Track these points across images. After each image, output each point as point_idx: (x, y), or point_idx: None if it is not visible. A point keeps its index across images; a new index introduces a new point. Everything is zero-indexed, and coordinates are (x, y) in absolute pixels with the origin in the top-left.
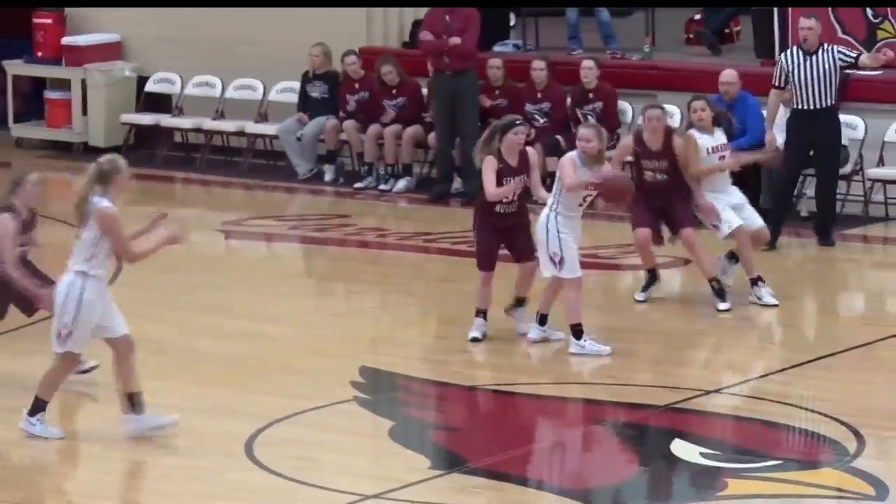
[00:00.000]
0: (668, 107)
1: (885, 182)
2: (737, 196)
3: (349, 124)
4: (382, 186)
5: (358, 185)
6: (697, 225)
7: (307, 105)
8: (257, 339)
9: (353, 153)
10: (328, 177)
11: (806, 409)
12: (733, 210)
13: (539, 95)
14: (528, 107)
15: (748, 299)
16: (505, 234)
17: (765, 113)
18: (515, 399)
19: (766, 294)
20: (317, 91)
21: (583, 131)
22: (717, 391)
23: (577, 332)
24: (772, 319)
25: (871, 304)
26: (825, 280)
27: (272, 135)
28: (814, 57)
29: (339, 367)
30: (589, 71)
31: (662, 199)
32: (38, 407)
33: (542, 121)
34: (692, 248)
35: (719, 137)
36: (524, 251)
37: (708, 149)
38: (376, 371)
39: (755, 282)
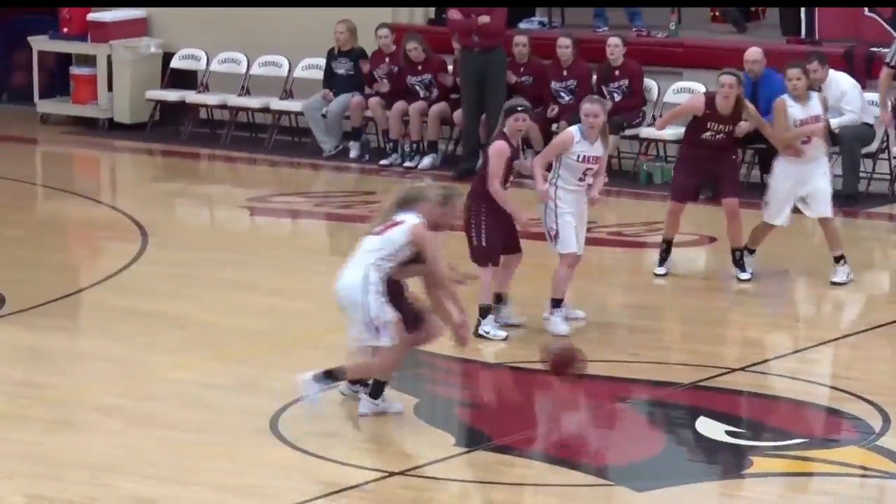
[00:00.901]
0: (692, 84)
1: None
2: (818, 172)
3: (374, 101)
4: (408, 163)
5: (383, 161)
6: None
7: (332, 82)
8: (282, 315)
9: (379, 130)
10: (353, 154)
11: (830, 386)
12: (794, 195)
13: (565, 73)
14: (554, 84)
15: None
16: (507, 222)
17: None
18: (540, 376)
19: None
20: (342, 68)
21: (589, 107)
22: (742, 369)
23: (556, 303)
24: (797, 297)
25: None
26: (850, 258)
27: (297, 111)
28: None
29: None
30: (615, 48)
31: (713, 161)
32: (378, 389)
33: (567, 98)
34: (734, 218)
35: (812, 108)
36: (517, 242)
37: (796, 121)
38: None
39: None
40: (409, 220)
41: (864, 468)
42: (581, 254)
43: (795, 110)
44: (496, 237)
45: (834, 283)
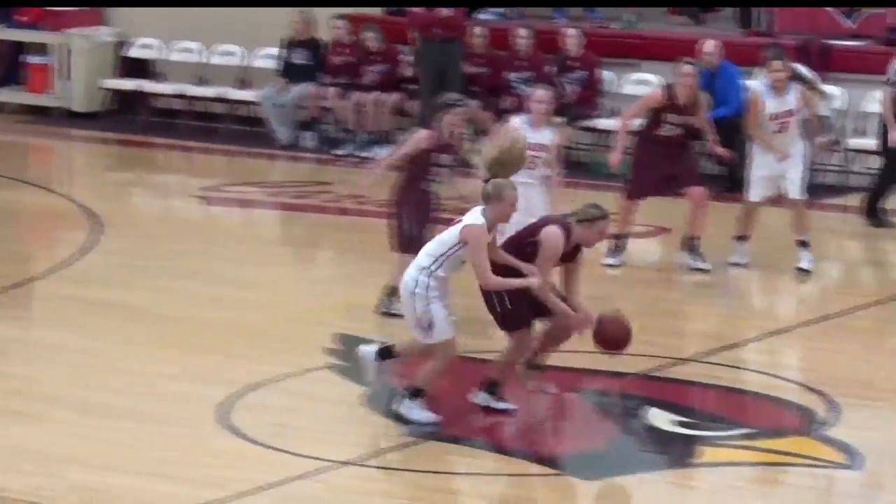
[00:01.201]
0: (649, 76)
1: (865, 152)
2: (794, 159)
3: (331, 91)
4: (363, 153)
5: (338, 152)
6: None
7: (288, 72)
8: (235, 305)
9: (334, 120)
10: (309, 143)
11: (780, 377)
12: (772, 178)
13: (522, 63)
14: (511, 75)
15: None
16: (429, 214)
17: (750, 83)
18: (490, 366)
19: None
20: (298, 58)
21: (539, 93)
22: (694, 360)
23: None
24: (747, 288)
25: (848, 273)
26: (774, 245)
27: (253, 101)
28: None
29: (317, 333)
30: (572, 39)
31: (671, 158)
32: (416, 393)
33: (524, 89)
34: (701, 206)
35: (788, 102)
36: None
37: (770, 114)
38: (353, 338)
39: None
40: (467, 220)
41: (813, 458)
42: None
43: (770, 103)
44: (413, 231)
45: (801, 270)
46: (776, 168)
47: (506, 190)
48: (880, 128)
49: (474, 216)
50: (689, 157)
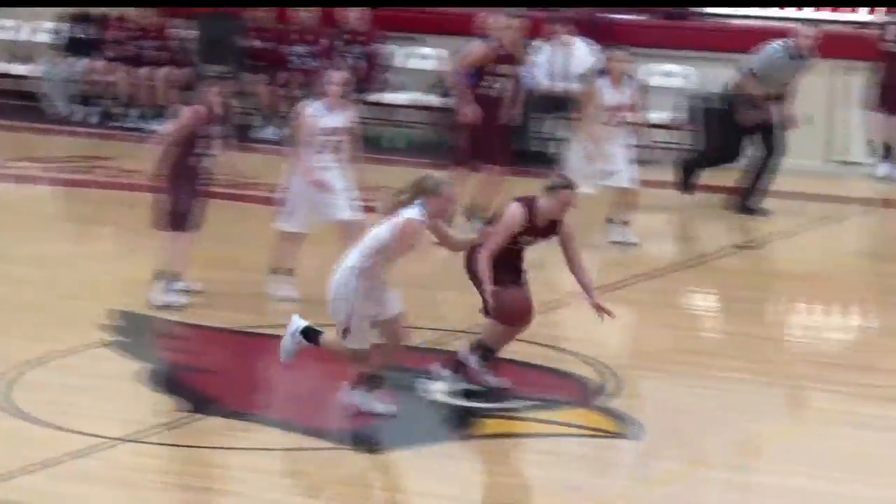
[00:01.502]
0: (432, 50)
1: (649, 126)
2: (617, 149)
3: (111, 66)
4: (144, 126)
5: (119, 125)
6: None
7: (70, 46)
8: (13, 281)
9: (115, 94)
10: (89, 118)
11: (560, 349)
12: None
13: (304, 37)
14: (294, 48)
15: None
16: (200, 189)
17: (535, 58)
18: (273, 341)
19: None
20: (79, 32)
21: (335, 75)
22: (472, 332)
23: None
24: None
25: (625, 245)
26: (583, 222)
27: (34, 76)
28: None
29: (96, 310)
30: (354, 13)
31: (489, 122)
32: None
33: (306, 63)
34: (499, 184)
35: (625, 95)
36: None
37: (607, 106)
38: (132, 314)
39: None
40: (405, 215)
41: (591, 429)
42: (298, 230)
43: (609, 94)
44: (185, 207)
45: (630, 244)
46: (605, 154)
47: (443, 185)
48: (727, 105)
49: (412, 211)
50: (500, 133)
